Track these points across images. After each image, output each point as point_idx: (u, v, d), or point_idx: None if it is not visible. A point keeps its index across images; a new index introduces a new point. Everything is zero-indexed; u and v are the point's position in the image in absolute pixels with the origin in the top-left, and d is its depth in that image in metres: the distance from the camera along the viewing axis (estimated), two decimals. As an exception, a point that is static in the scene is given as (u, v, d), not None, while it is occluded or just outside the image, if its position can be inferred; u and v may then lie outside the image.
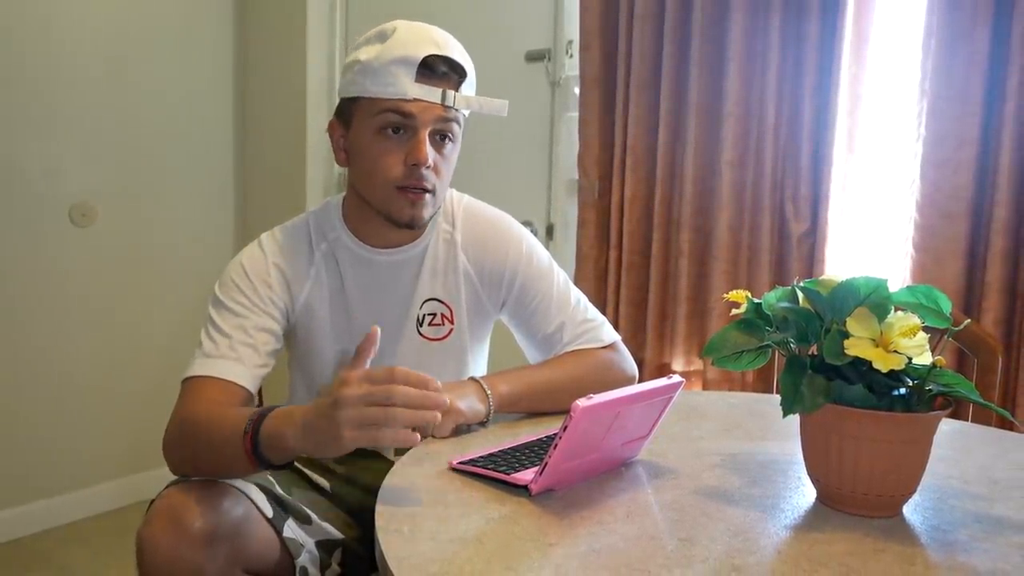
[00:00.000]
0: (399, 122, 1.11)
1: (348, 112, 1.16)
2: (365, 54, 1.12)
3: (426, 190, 1.13)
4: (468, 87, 1.16)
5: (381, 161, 1.12)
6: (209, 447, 0.98)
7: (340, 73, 1.19)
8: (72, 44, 2.39)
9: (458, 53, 1.13)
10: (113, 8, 2.47)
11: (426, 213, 1.16)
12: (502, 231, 1.28)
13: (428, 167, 1.12)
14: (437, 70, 1.11)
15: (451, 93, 1.11)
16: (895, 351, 0.79)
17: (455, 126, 1.15)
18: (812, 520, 0.84)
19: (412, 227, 1.17)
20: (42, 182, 2.36)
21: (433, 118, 1.11)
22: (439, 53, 1.10)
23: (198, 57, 2.71)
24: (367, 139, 1.13)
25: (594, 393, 0.85)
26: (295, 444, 0.89)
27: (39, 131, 2.34)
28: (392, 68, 1.09)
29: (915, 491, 0.86)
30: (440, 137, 1.14)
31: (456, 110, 1.14)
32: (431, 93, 1.10)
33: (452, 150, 1.17)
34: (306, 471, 1.19)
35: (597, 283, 2.15)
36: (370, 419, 0.83)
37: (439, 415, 0.86)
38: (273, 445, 0.91)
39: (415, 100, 1.10)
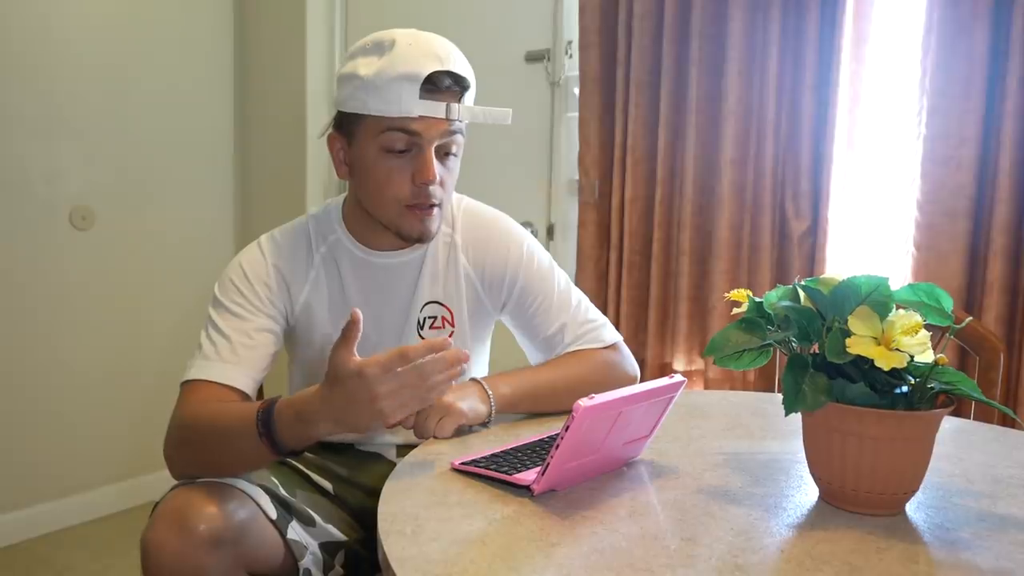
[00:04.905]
0: (405, 140, 1.10)
1: (349, 127, 1.14)
2: (364, 68, 1.09)
3: (434, 205, 1.14)
4: (471, 96, 1.15)
5: (388, 180, 1.12)
6: (219, 443, 0.99)
7: (336, 83, 1.16)
8: (72, 47, 2.39)
9: (460, 65, 1.11)
10: (113, 11, 2.47)
11: (435, 226, 1.16)
12: (502, 233, 1.28)
13: (435, 184, 1.12)
14: (441, 84, 1.09)
15: (455, 106, 1.10)
16: (897, 349, 0.79)
17: (459, 138, 1.15)
18: (815, 519, 0.84)
19: (423, 241, 1.17)
20: (42, 185, 2.36)
21: (438, 133, 1.11)
22: (443, 68, 1.08)
23: (198, 60, 2.71)
24: (372, 157, 1.12)
25: (596, 393, 0.85)
26: (323, 423, 0.92)
27: (39, 134, 2.35)
28: (394, 85, 1.06)
29: (918, 489, 0.86)
30: (445, 152, 1.14)
31: (460, 121, 1.13)
32: (435, 108, 1.08)
33: (455, 162, 1.17)
34: (308, 472, 1.19)
35: (598, 283, 2.15)
36: (407, 386, 0.90)
37: (463, 366, 0.94)
38: (293, 430, 0.94)
39: (420, 118, 1.08)
